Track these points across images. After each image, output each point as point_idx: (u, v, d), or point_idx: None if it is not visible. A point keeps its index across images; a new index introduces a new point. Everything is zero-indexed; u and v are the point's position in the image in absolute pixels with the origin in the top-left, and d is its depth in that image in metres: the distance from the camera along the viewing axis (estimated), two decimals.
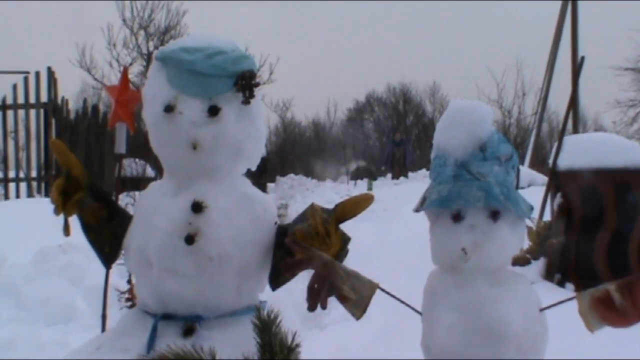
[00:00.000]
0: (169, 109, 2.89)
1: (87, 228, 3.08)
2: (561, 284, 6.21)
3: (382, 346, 4.85)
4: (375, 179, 24.42)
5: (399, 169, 24.71)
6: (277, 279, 3.04)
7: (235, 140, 2.95)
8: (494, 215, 2.45)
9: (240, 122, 2.96)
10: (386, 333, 5.06)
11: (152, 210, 2.94)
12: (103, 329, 3.58)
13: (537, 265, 6.50)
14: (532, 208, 2.55)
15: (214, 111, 2.90)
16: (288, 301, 6.41)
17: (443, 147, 2.55)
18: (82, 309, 5.60)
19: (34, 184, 15.20)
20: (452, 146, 2.52)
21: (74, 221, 3.10)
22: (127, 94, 3.91)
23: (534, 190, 8.78)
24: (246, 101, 2.96)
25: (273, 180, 24.60)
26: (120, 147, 4.33)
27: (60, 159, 3.05)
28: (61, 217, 3.08)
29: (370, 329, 5.21)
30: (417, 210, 2.58)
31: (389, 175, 24.74)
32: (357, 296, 2.54)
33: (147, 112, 3.03)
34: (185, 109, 2.88)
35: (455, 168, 2.49)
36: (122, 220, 3.09)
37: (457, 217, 2.46)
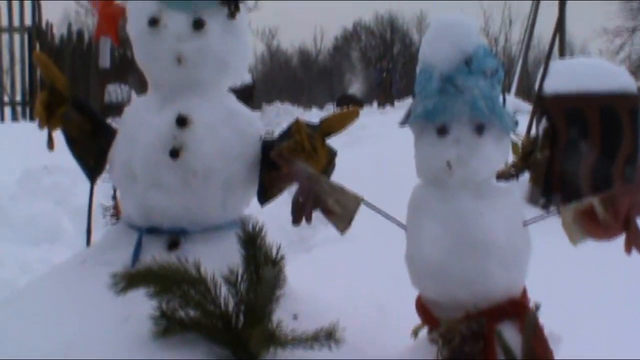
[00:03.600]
0: (153, 22, 2.87)
1: (71, 142, 3.08)
2: (546, 207, 6.24)
3: (368, 266, 4.88)
4: (361, 107, 24.35)
5: (385, 97, 24.62)
6: (265, 194, 3.07)
7: (220, 54, 2.94)
8: (479, 129, 2.45)
9: (225, 37, 2.95)
10: (371, 254, 5.09)
11: (136, 125, 2.92)
12: (88, 243, 3.58)
13: (522, 189, 6.53)
14: (517, 122, 2.56)
15: (199, 25, 2.88)
16: (273, 225, 6.42)
17: (428, 60, 2.54)
18: (68, 230, 5.59)
19: (19, 108, 15.08)
20: (438, 60, 2.50)
21: (59, 138, 3.09)
22: (111, 7, 3.89)
23: (519, 118, 8.79)
24: (231, 15, 2.93)
25: (259, 108, 24.49)
26: (104, 61, 4.31)
27: (44, 72, 3.03)
28: (45, 134, 3.07)
29: (356, 250, 5.24)
30: (402, 124, 2.58)
31: (375, 104, 24.70)
32: (342, 209, 2.55)
33: (131, 26, 3.01)
34: (170, 23, 2.87)
35: (440, 82, 2.47)
36: (107, 134, 3.08)
37: (442, 131, 2.46)
